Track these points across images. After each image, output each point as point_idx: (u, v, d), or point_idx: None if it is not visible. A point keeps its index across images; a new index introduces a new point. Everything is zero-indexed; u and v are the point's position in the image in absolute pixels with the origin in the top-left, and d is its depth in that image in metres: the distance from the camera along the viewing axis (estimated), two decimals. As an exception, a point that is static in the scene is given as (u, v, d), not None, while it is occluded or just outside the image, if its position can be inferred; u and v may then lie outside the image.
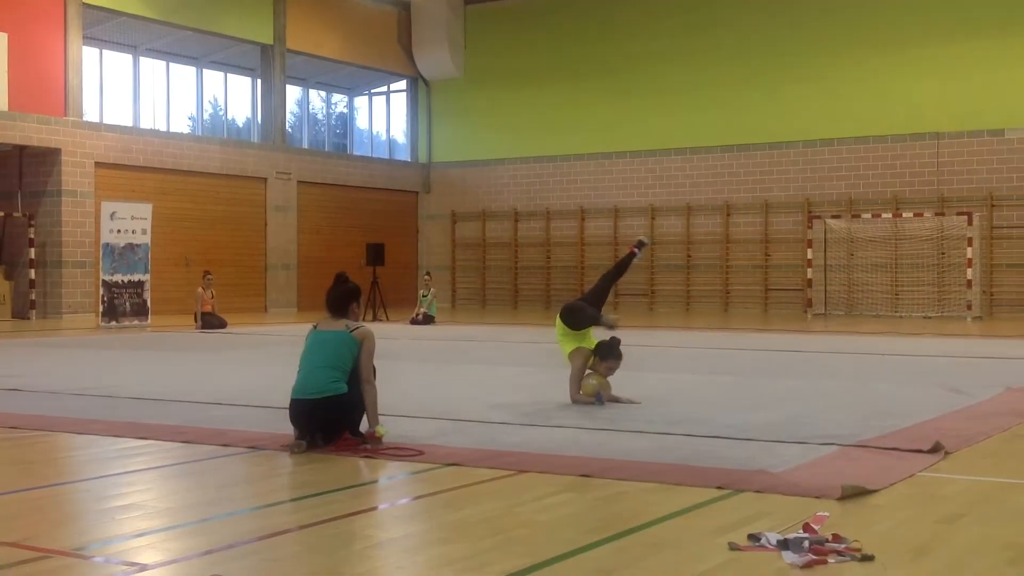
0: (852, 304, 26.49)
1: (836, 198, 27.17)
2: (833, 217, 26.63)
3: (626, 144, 29.79)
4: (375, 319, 23.16)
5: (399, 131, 34.00)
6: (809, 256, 26.25)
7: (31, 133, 23.10)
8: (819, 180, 27.41)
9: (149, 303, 22.12)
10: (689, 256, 28.96)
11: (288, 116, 30.08)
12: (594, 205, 30.26)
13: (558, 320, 8.99)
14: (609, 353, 8.76)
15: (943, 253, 25.65)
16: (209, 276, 21.08)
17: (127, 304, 21.73)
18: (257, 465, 6.30)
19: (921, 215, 25.58)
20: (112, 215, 21.79)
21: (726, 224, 28.50)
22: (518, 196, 31.41)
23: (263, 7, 28.30)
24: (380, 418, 6.76)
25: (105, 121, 25.45)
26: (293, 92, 31.00)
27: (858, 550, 4.20)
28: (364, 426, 6.72)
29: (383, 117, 34.08)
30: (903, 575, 3.99)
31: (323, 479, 5.86)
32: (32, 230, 23.52)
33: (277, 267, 28.60)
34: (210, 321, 20.39)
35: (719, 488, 5.43)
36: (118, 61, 26.94)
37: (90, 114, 25.27)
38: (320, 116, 33.23)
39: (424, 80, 32.79)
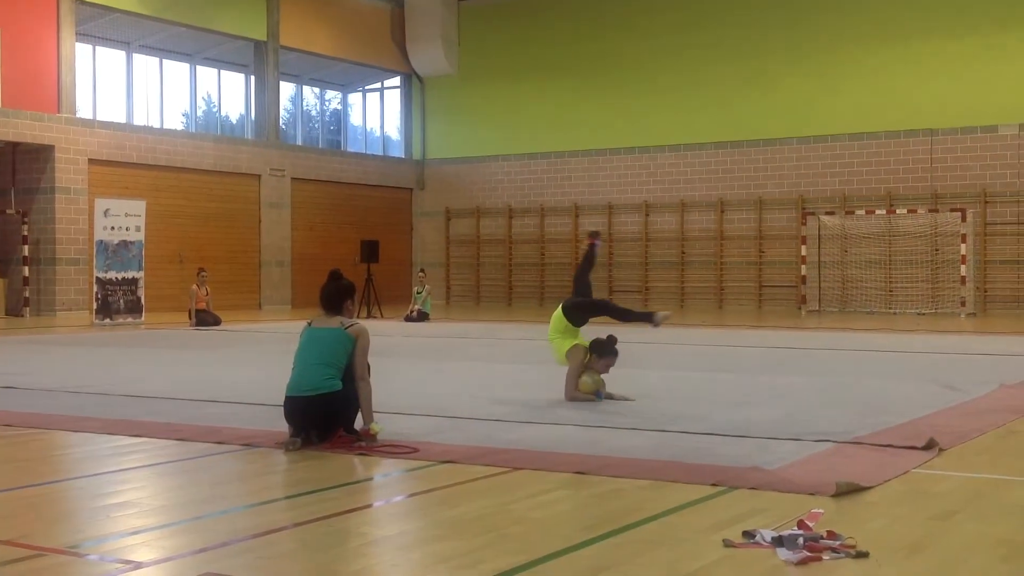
0: (846, 300, 26.52)
1: (830, 194, 27.18)
2: (827, 213, 26.66)
3: (620, 141, 29.79)
4: (369, 316, 23.14)
5: (393, 128, 33.96)
6: (803, 252, 26.25)
7: (24, 130, 23.05)
8: (813, 176, 27.43)
9: (143, 300, 22.09)
10: (683, 253, 28.97)
11: (282, 113, 30.03)
12: (588, 202, 30.25)
13: (558, 316, 8.91)
14: (606, 350, 8.73)
15: (937, 249, 25.68)
16: (203, 273, 21.01)
17: (121, 301, 21.69)
18: (251, 462, 6.30)
19: (915, 211, 25.61)
20: (106, 212, 21.73)
21: (720, 220, 28.51)
22: (512, 193, 31.40)
23: (256, 3, 28.24)
24: (374, 415, 6.76)
25: (98, 118, 25.42)
26: (287, 89, 30.95)
27: (853, 547, 4.21)
28: (359, 423, 6.72)
29: (377, 114, 34.04)
30: (897, 572, 4.00)
31: (317, 476, 5.86)
32: (26, 227, 23.47)
33: (271, 264, 28.55)
34: (204, 318, 20.34)
35: (714, 485, 5.44)
36: (111, 57, 26.88)
37: (83, 111, 25.22)
38: (314, 113, 33.18)
39: (418, 77, 32.76)
